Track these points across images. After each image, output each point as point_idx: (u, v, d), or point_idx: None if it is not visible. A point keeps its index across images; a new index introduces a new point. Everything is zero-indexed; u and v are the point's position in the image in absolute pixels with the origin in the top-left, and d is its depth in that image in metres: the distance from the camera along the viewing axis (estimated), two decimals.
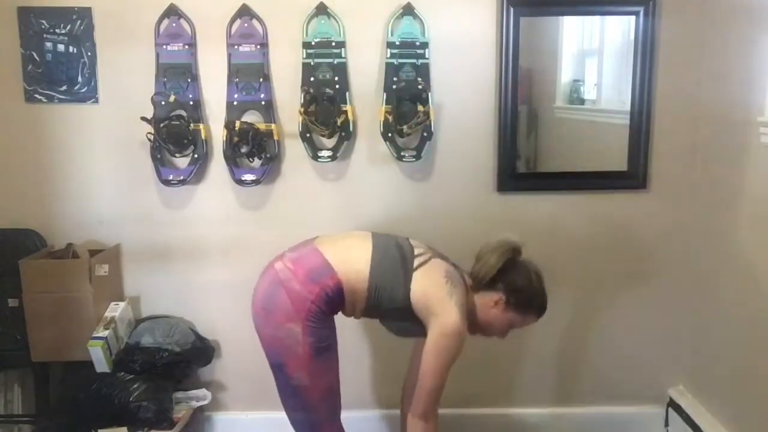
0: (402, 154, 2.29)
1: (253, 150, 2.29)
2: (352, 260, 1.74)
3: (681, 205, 2.39)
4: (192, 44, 2.30)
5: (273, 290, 1.72)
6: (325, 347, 1.71)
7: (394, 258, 1.75)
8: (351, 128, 2.29)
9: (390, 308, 1.74)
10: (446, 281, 1.72)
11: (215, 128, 2.34)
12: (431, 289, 1.71)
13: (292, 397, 1.77)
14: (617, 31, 2.36)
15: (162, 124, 2.27)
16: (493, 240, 1.84)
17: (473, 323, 1.80)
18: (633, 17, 2.28)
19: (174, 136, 2.29)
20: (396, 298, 1.72)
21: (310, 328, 1.68)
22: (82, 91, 2.32)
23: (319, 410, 1.77)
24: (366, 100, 2.31)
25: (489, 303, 1.80)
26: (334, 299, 1.71)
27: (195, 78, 2.31)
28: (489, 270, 1.77)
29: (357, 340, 2.43)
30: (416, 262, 1.75)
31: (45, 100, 2.33)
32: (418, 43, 2.26)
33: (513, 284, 1.78)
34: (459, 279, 1.78)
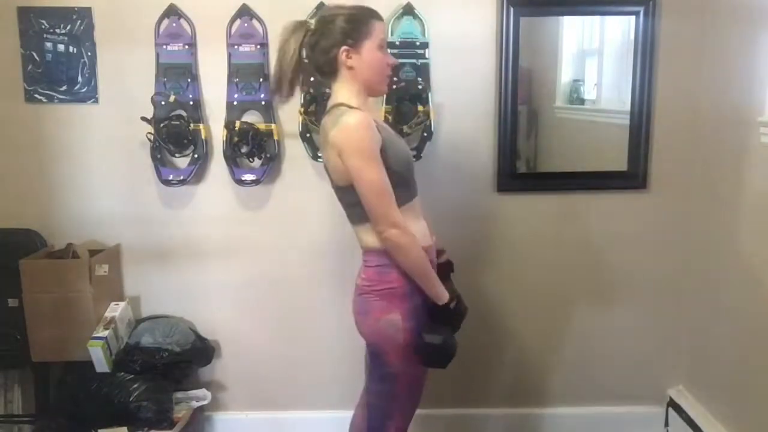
0: None
1: (253, 150, 2.29)
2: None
3: (681, 205, 2.39)
4: (192, 44, 2.30)
5: (362, 301, 1.71)
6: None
7: None
8: None
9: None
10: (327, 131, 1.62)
11: (215, 128, 2.35)
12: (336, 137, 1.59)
13: (381, 382, 1.74)
14: (617, 31, 2.36)
15: (162, 124, 2.27)
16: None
17: (366, 99, 1.70)
18: (633, 17, 2.28)
19: (174, 136, 2.29)
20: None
21: (408, 312, 1.66)
22: (82, 91, 2.32)
23: (400, 400, 1.75)
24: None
25: (345, 72, 1.66)
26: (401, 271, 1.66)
27: (195, 78, 2.31)
28: (315, 64, 1.67)
29: (360, 339, 2.43)
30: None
31: (45, 100, 2.33)
32: (418, 43, 2.26)
33: (331, 40, 1.64)
34: (333, 113, 1.65)
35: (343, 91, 1.68)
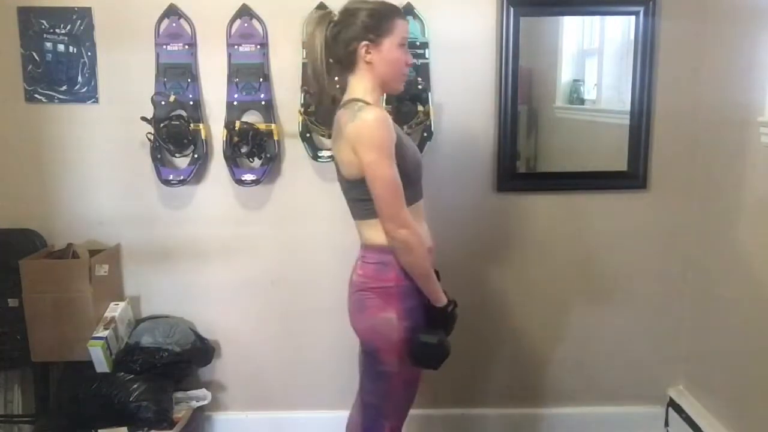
0: None
1: (253, 150, 2.29)
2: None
3: (681, 205, 2.39)
4: (192, 44, 2.30)
5: (359, 297, 1.71)
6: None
7: None
8: None
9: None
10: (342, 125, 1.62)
11: (215, 128, 2.34)
12: (350, 132, 1.59)
13: (375, 381, 1.74)
14: (617, 31, 2.36)
15: (162, 124, 2.27)
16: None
17: (381, 95, 1.72)
18: (633, 17, 2.28)
19: (174, 136, 2.29)
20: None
21: (404, 311, 1.66)
22: (82, 91, 2.32)
23: (394, 399, 1.75)
24: None
25: (363, 67, 1.66)
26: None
27: (195, 78, 2.31)
28: (328, 52, 1.65)
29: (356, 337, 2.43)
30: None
31: (45, 100, 2.33)
32: (418, 43, 2.26)
33: (352, 33, 1.63)
34: (347, 108, 1.64)
35: (359, 86, 1.68)
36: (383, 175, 1.57)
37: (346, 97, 1.70)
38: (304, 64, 2.27)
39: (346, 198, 1.73)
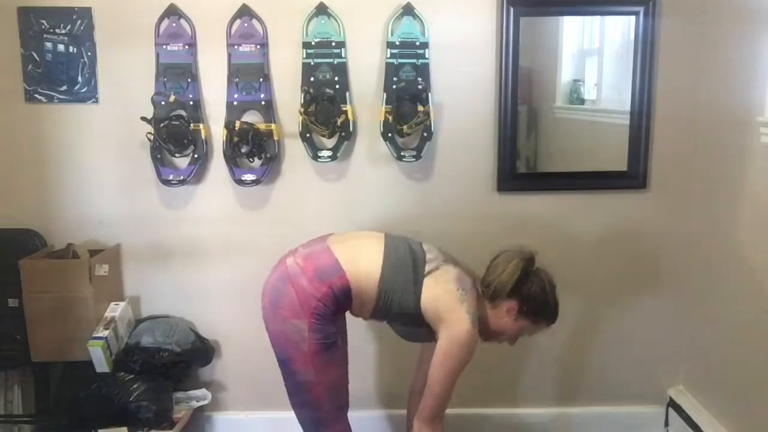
0: (402, 154, 2.29)
1: (253, 150, 2.29)
2: (363, 262, 1.73)
3: (681, 205, 2.39)
4: (192, 44, 2.30)
5: (281, 285, 1.72)
6: (331, 343, 1.71)
7: (406, 262, 1.74)
8: (351, 128, 2.29)
9: (399, 313, 1.74)
10: (457, 288, 1.71)
11: (215, 128, 2.34)
12: (442, 296, 1.70)
13: (297, 392, 1.77)
14: (617, 31, 2.36)
15: (162, 124, 2.27)
16: (506, 249, 1.83)
17: (484, 330, 1.78)
18: (633, 17, 2.28)
19: (174, 136, 2.29)
20: (406, 304, 1.71)
21: (315, 325, 1.67)
22: (82, 91, 2.32)
23: (324, 407, 1.76)
24: (366, 100, 2.31)
25: (501, 311, 1.79)
26: (341, 299, 1.70)
27: (195, 78, 2.31)
28: (504, 284, 1.76)
29: (361, 339, 2.42)
30: (427, 268, 1.74)
31: (45, 100, 2.33)
32: (418, 43, 2.26)
33: (527, 293, 1.77)
34: (470, 286, 1.77)
35: (488, 311, 1.80)
36: (448, 381, 1.69)
37: (479, 286, 1.82)
38: (304, 64, 2.27)
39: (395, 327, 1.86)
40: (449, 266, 1.78)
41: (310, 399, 1.75)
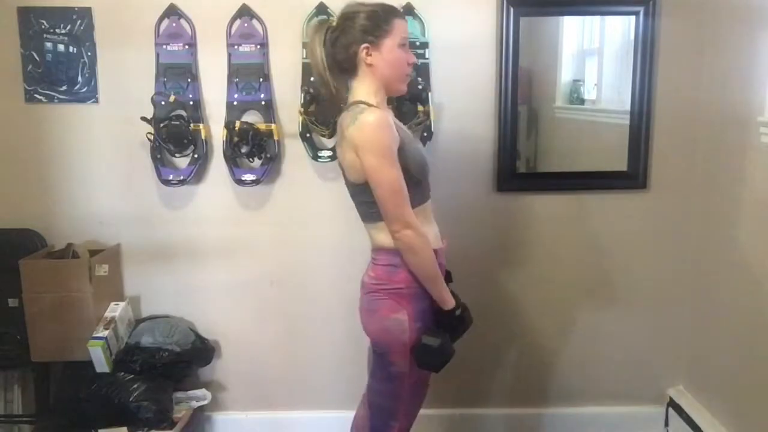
0: None
1: (253, 150, 2.29)
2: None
3: (681, 205, 2.39)
4: (192, 44, 2.30)
5: (369, 299, 1.71)
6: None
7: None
8: None
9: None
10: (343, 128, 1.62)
11: (215, 128, 2.34)
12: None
13: (385, 382, 1.74)
14: (617, 31, 2.36)
15: (162, 124, 2.27)
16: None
17: (384, 97, 1.71)
18: (633, 17, 2.28)
19: (174, 136, 2.29)
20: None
21: (416, 313, 1.66)
22: (82, 91, 2.32)
23: (404, 400, 1.74)
24: None
25: (365, 70, 1.66)
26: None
27: (195, 78, 2.31)
28: (326, 60, 1.65)
29: (361, 338, 2.43)
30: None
31: (45, 100, 2.33)
32: (418, 43, 2.26)
33: (351, 37, 1.64)
34: (349, 111, 1.65)
35: (362, 88, 1.68)
36: (385, 177, 1.57)
37: (349, 101, 1.70)
38: (304, 64, 2.27)
39: (354, 201, 1.73)
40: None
41: (395, 391, 1.73)
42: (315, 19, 1.72)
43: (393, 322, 1.66)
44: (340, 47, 1.66)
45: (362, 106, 1.63)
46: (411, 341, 1.66)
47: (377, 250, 1.71)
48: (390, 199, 1.59)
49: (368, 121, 1.57)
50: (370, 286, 1.71)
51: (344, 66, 1.69)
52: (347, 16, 1.66)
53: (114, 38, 2.30)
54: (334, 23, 1.69)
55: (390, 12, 1.68)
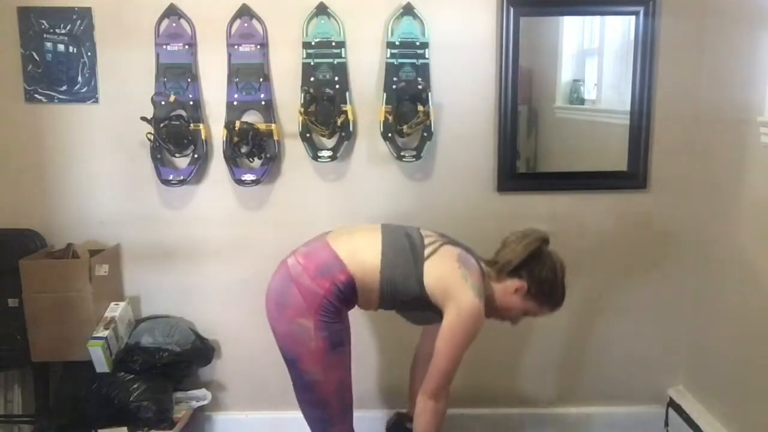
0: (402, 154, 2.29)
1: (253, 150, 2.29)
2: (362, 253, 1.73)
3: (681, 205, 2.39)
4: (192, 44, 2.30)
5: (285, 286, 1.73)
6: (338, 342, 1.71)
7: (404, 248, 1.74)
8: (351, 128, 2.29)
9: (405, 299, 1.74)
10: (459, 266, 1.71)
11: (215, 128, 2.34)
12: (445, 274, 1.70)
13: (305, 391, 1.77)
14: (617, 31, 2.36)
15: (162, 124, 2.27)
16: (521, 229, 1.83)
17: (489, 307, 1.77)
18: (633, 17, 2.28)
19: (174, 136, 2.29)
20: (410, 288, 1.71)
21: (322, 323, 1.68)
22: (82, 91, 2.32)
23: (332, 405, 1.77)
24: (366, 100, 2.31)
25: (510, 289, 1.78)
26: (346, 293, 1.70)
27: (195, 78, 2.31)
28: (514, 257, 1.76)
29: (362, 339, 2.42)
30: (427, 251, 1.74)
31: (45, 100, 2.33)
32: (418, 43, 2.26)
33: (537, 274, 1.77)
34: (474, 263, 1.77)
35: (498, 287, 1.80)
36: (455, 357, 1.69)
37: (488, 267, 1.82)
38: (304, 64, 2.27)
39: (400, 310, 1.87)
40: (449, 246, 1.78)
41: (318, 398, 1.76)
42: (539, 231, 1.84)
43: (299, 327, 1.68)
44: (524, 264, 1.78)
45: (479, 287, 1.72)
46: (318, 349, 1.68)
47: (336, 252, 1.74)
48: (445, 372, 1.71)
49: (476, 310, 1.68)
50: (292, 272, 1.72)
51: (505, 267, 1.79)
52: (554, 271, 1.80)
53: (114, 38, 2.30)
54: (550, 258, 1.81)
55: (557, 301, 1.85)
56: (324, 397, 1.75)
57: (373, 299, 1.76)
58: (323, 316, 1.68)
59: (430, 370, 1.72)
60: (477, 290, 1.70)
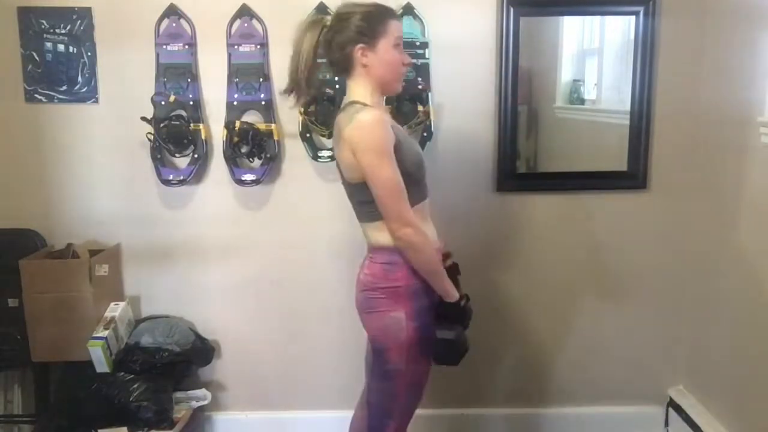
0: None
1: (253, 150, 2.29)
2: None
3: (681, 205, 2.39)
4: (192, 44, 2.30)
5: (364, 296, 1.72)
6: (425, 338, 1.69)
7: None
8: None
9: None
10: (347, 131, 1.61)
11: (215, 128, 2.35)
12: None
13: (382, 380, 1.74)
14: (617, 31, 2.36)
15: (162, 124, 2.27)
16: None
17: (381, 97, 1.72)
18: (633, 17, 2.28)
19: (174, 136, 2.29)
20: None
21: (413, 311, 1.66)
22: (82, 91, 2.32)
23: (401, 399, 1.75)
24: None
25: (360, 70, 1.67)
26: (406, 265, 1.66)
27: (195, 78, 2.31)
28: (325, 56, 1.67)
29: (360, 338, 2.43)
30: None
31: (45, 100, 2.33)
32: (418, 43, 2.26)
33: (346, 37, 1.64)
34: (348, 110, 1.65)
35: (358, 88, 1.69)
36: (383, 175, 1.58)
37: (345, 100, 1.71)
38: None
39: (351, 201, 1.74)
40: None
41: (391, 388, 1.73)
42: (310, 16, 1.70)
43: (390, 320, 1.67)
44: (335, 47, 1.67)
45: (358, 105, 1.63)
46: (408, 339, 1.66)
47: (375, 248, 1.71)
48: (388, 197, 1.59)
49: (364, 120, 1.58)
50: (366, 284, 1.71)
51: (339, 66, 1.70)
52: (342, 17, 1.67)
53: (114, 38, 2.30)
54: (329, 23, 1.69)
55: (385, 13, 1.69)
56: (397, 389, 1.72)
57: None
58: (413, 302, 1.66)
59: (382, 211, 1.61)
60: (360, 108, 1.61)
